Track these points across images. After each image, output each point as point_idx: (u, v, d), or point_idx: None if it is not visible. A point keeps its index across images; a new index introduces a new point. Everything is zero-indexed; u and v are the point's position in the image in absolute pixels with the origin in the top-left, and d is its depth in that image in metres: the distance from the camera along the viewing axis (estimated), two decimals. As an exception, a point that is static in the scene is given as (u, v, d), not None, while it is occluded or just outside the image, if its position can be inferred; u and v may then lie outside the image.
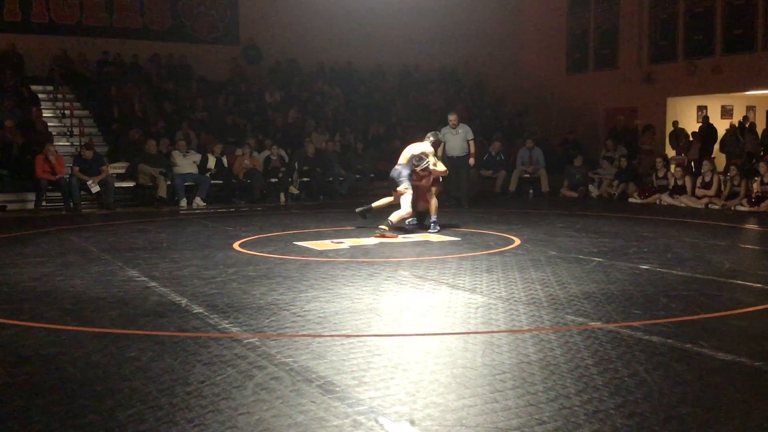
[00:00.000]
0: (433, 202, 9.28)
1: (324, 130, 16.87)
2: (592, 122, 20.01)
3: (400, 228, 9.06)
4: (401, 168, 9.19)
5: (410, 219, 9.38)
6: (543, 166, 15.95)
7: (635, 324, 4.61)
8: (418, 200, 9.28)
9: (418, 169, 9.16)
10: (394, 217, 8.88)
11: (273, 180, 14.72)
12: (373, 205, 9.51)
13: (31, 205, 12.74)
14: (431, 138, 9.63)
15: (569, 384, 3.48)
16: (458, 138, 12.56)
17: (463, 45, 20.28)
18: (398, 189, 9.13)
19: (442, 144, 12.32)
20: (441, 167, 9.49)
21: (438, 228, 9.17)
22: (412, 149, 9.34)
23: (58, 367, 3.85)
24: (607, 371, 3.67)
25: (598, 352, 4.00)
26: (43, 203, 12.70)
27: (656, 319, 4.75)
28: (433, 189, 9.35)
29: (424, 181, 9.28)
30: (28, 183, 12.93)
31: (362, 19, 19.14)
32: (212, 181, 14.03)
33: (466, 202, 12.84)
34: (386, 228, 8.68)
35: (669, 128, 17.97)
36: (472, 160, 12.84)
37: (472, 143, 12.62)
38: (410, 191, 9.05)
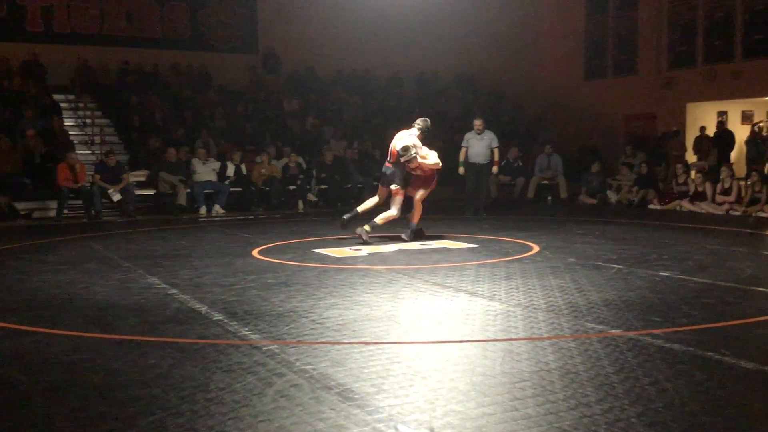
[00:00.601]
0: (418, 209, 8.94)
1: (342, 137, 16.93)
2: (611, 128, 19.90)
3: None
4: (394, 168, 8.80)
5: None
6: (561, 172, 15.88)
7: (656, 332, 4.57)
8: (408, 189, 8.92)
9: (403, 160, 8.67)
10: (380, 219, 8.75)
11: (291, 187, 14.78)
12: (359, 209, 9.09)
13: (52, 213, 12.88)
14: (419, 124, 8.92)
15: (590, 392, 3.46)
16: (482, 144, 12.34)
17: (480, 52, 20.28)
18: (391, 187, 8.83)
19: (465, 149, 12.37)
20: (432, 159, 8.80)
21: (412, 237, 8.83)
22: (396, 141, 8.81)
23: (79, 374, 3.88)
24: (627, 379, 3.65)
25: (619, 360, 3.97)
26: (65, 211, 12.83)
27: (677, 326, 4.71)
28: (420, 193, 8.94)
29: (418, 171, 8.86)
30: (50, 191, 13.07)
31: (379, 27, 19.21)
32: (231, 189, 14.12)
33: (484, 209, 12.67)
34: (369, 229, 8.58)
35: (690, 134, 17.83)
36: (495, 168, 12.65)
37: (496, 151, 12.41)
38: (401, 194, 8.80)
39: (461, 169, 12.33)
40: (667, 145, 17.16)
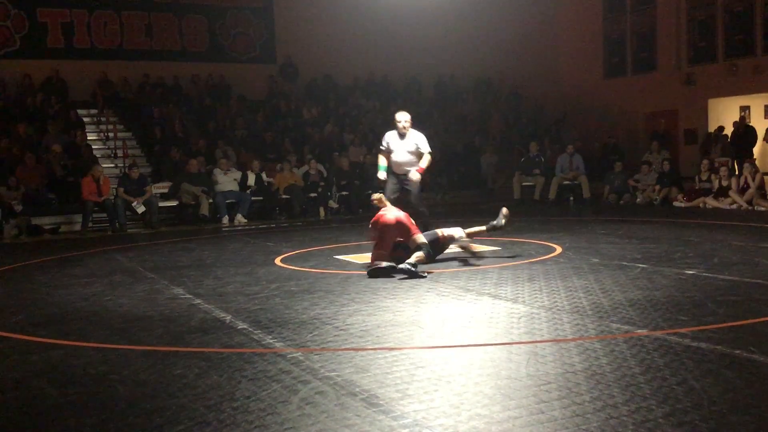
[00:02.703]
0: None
1: (361, 143, 16.97)
2: (632, 126, 19.78)
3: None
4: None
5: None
6: (584, 172, 15.77)
7: (682, 331, 4.53)
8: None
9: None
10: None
11: (312, 195, 14.84)
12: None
13: (78, 227, 13.05)
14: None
15: (616, 393, 3.44)
16: (406, 148, 8.84)
17: (498, 54, 20.24)
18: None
19: (380, 161, 9.06)
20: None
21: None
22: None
23: (107, 385, 3.92)
24: (654, 380, 3.61)
25: (645, 360, 3.94)
26: (90, 225, 12.99)
27: (704, 325, 4.66)
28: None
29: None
30: (75, 205, 13.24)
31: (396, 33, 19.25)
32: (253, 198, 14.20)
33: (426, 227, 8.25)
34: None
35: (711, 130, 17.66)
36: (416, 174, 8.70)
37: (426, 156, 8.81)
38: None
39: (382, 174, 8.88)
40: (711, 144, 16.96)
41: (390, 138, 8.96)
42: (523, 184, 16.15)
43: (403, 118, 8.91)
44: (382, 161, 8.97)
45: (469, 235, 7.86)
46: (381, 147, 9.12)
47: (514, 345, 4.39)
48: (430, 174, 16.65)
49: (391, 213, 7.33)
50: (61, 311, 5.99)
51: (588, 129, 19.99)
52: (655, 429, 3.01)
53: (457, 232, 7.76)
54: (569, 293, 5.80)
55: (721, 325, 4.65)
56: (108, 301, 6.33)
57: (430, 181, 16.61)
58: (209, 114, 17.04)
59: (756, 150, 16.60)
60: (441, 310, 5.45)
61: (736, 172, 13.91)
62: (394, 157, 8.88)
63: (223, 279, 7.20)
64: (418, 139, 8.88)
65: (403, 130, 8.88)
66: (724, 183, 13.33)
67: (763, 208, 12.44)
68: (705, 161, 14.35)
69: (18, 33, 16.97)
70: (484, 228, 7.98)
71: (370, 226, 7.45)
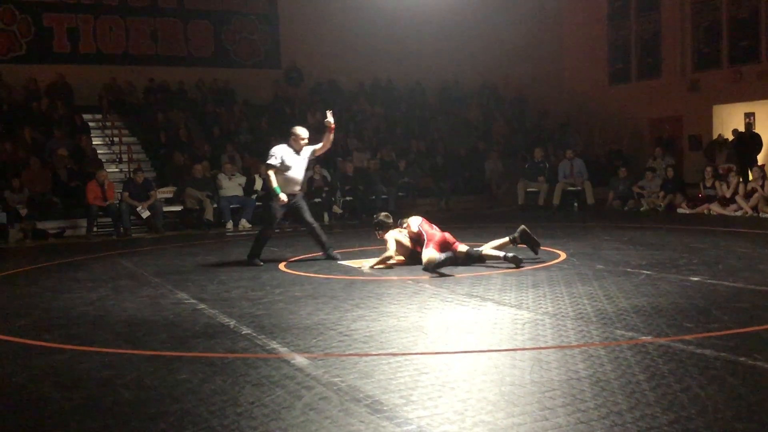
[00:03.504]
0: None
1: (365, 148, 16.98)
2: (637, 132, 19.77)
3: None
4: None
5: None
6: (586, 177, 15.75)
7: (687, 337, 4.52)
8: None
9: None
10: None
11: (316, 200, 14.83)
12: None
13: (83, 232, 13.07)
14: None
15: (621, 400, 3.43)
16: (302, 165, 8.55)
17: (502, 59, 20.26)
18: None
19: (270, 177, 8.35)
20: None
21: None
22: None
23: (111, 390, 3.93)
24: (659, 386, 3.60)
25: (650, 367, 3.93)
26: (95, 229, 13.01)
27: (709, 332, 4.65)
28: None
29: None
30: (80, 210, 13.27)
31: (401, 38, 19.29)
32: (257, 203, 14.21)
33: (328, 250, 8.91)
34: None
35: (715, 136, 17.64)
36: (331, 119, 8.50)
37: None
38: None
39: (284, 196, 8.29)
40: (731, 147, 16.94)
41: (284, 153, 8.35)
42: (528, 190, 16.14)
43: (306, 134, 8.51)
44: (275, 181, 8.29)
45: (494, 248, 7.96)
46: (272, 163, 8.32)
47: (518, 351, 4.38)
48: (434, 179, 16.72)
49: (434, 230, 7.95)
50: (66, 315, 6.00)
51: (592, 135, 19.99)
52: (660, 436, 3.01)
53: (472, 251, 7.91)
54: (573, 299, 5.79)
55: (725, 332, 4.63)
56: (112, 305, 6.34)
57: (433, 185, 16.63)
58: (214, 119, 17.08)
59: (761, 157, 16.58)
60: (445, 315, 5.44)
61: (740, 179, 13.88)
62: (291, 174, 8.36)
63: (228, 284, 7.21)
64: (310, 151, 8.58)
65: (303, 147, 8.47)
66: (731, 189, 13.28)
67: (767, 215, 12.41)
68: (709, 168, 14.33)
69: (24, 38, 17.04)
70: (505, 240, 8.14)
71: (418, 232, 7.88)
